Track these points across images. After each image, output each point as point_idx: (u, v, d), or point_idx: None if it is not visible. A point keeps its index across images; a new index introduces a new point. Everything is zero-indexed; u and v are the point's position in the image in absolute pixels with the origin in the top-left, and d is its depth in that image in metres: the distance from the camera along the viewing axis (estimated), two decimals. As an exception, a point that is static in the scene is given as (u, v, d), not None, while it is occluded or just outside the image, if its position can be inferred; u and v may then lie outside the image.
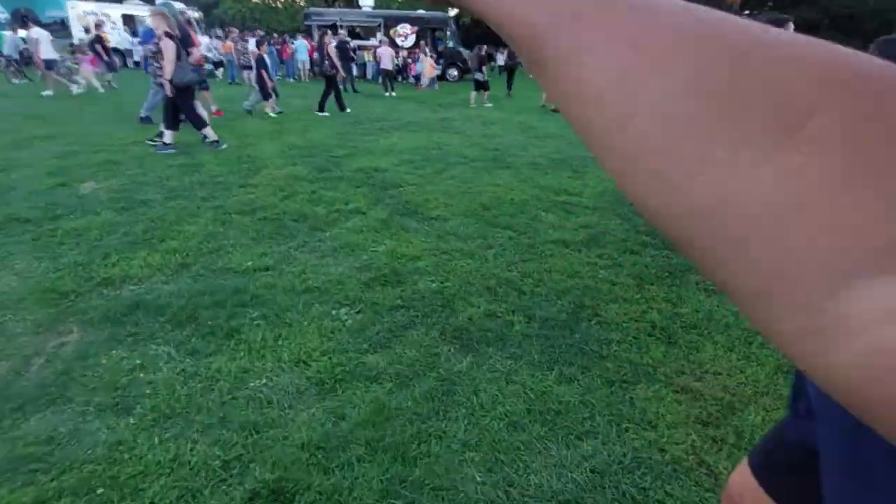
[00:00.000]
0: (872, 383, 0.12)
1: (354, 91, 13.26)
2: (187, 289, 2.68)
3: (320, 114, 9.27)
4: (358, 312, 2.57)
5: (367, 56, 18.09)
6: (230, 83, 14.95)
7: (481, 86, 12.03)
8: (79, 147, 5.80)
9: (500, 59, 25.40)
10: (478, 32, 36.52)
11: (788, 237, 0.13)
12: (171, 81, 5.48)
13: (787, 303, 0.13)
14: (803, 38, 0.14)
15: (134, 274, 2.81)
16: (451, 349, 2.33)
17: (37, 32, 11.04)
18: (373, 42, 18.58)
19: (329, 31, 10.21)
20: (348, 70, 13.30)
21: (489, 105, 12.27)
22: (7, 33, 12.87)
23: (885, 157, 0.12)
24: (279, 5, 35.39)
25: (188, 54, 5.75)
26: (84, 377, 2.00)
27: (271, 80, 8.89)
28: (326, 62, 9.58)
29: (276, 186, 4.52)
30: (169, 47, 5.37)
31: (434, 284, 2.91)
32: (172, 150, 5.70)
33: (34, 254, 3.02)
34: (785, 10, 29.29)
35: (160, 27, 5.44)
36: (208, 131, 5.96)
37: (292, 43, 17.92)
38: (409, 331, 2.45)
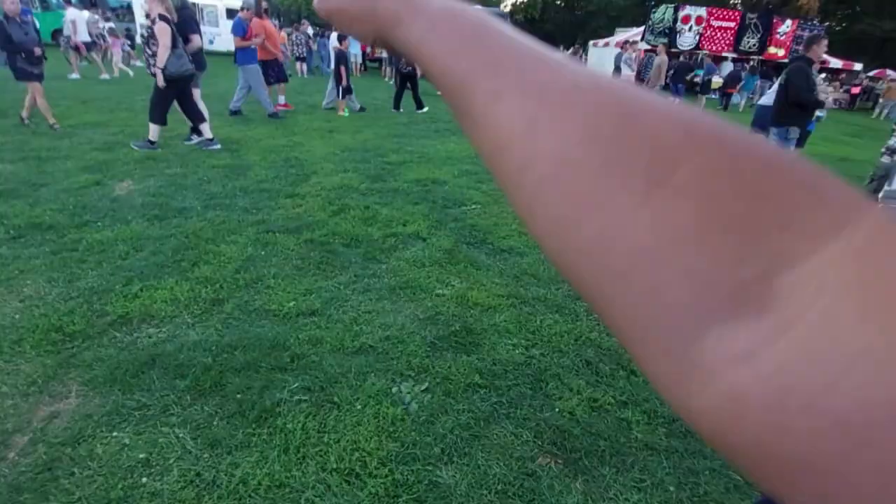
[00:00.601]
0: (729, 428, 0.12)
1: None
2: (216, 339, 2.16)
3: (419, 111, 8.91)
4: (425, 391, 1.98)
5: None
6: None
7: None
8: (123, 137, 5.50)
9: None
10: (543, 30, 35.43)
11: (658, 281, 0.14)
12: (163, 70, 4.79)
13: (656, 347, 0.14)
14: (677, 103, 0.16)
15: (156, 312, 2.32)
16: (553, 464, 1.71)
17: (74, 13, 11.11)
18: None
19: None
20: (393, 62, 12.80)
21: None
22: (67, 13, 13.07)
23: (733, 208, 0.13)
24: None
25: (186, 42, 5.17)
26: (71, 476, 1.50)
27: (348, 77, 8.47)
28: (403, 60, 9.03)
29: (326, 198, 4.00)
30: (164, 31, 4.71)
31: (518, 352, 2.28)
32: (216, 146, 5.31)
33: (49, 273, 2.59)
34: (867, 21, 26.74)
35: (154, 9, 4.78)
36: (205, 128, 5.36)
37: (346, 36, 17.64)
38: (492, 427, 1.84)
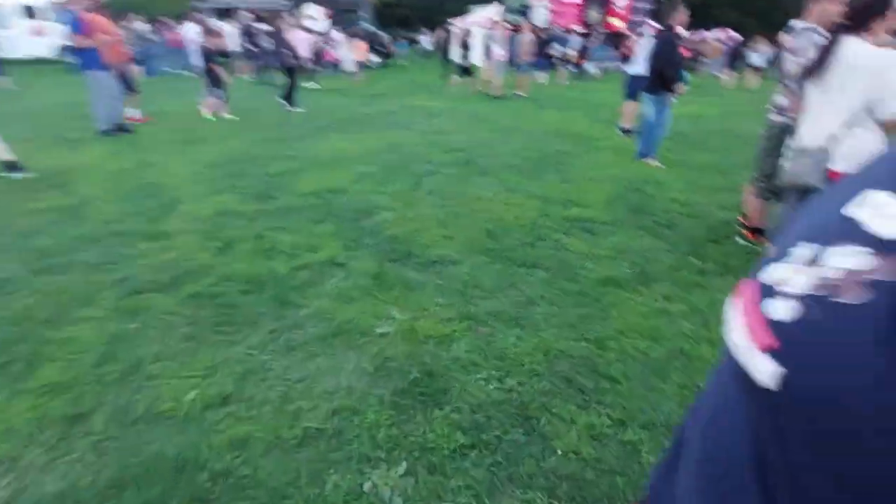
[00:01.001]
0: None
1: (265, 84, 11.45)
2: (89, 482, 1.48)
3: (292, 109, 8.14)
4: (405, 475, 1.56)
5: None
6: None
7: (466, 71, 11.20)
8: None
9: (425, 41, 24.22)
10: (399, 14, 34.75)
11: None
12: None
13: None
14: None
15: (-26, 461, 1.55)
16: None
17: None
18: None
19: (284, 17, 8.51)
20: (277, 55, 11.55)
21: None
22: None
23: None
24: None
25: None
26: None
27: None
28: (284, 51, 8.08)
29: (204, 232, 3.23)
30: None
31: (492, 387, 1.96)
32: (21, 174, 4.10)
33: None
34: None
35: None
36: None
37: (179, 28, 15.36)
38: (499, 499, 1.50)
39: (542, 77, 14.04)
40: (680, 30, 5.40)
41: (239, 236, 3.17)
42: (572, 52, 16.86)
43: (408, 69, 17.76)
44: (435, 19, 42.50)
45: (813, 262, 0.29)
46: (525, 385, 1.98)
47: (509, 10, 21.84)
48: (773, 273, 0.31)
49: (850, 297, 0.25)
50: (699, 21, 27.94)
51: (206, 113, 7.47)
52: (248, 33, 13.89)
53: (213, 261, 2.84)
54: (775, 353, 0.28)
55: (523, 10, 21.93)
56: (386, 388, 1.92)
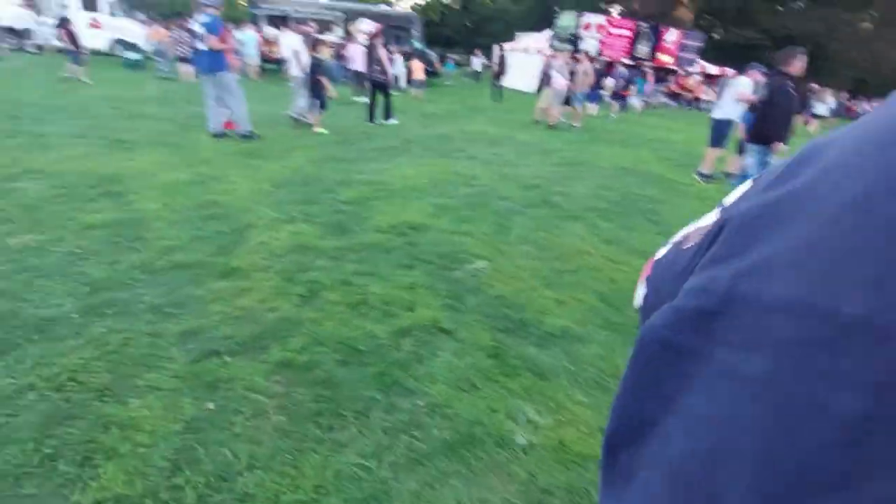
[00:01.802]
0: None
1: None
2: None
3: (387, 121, 8.50)
4: None
5: (327, 53, 15.99)
6: (162, 77, 12.39)
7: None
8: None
9: (477, 63, 24.10)
10: (441, 34, 35.03)
11: None
12: None
13: None
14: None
15: None
16: None
17: None
18: (331, 38, 16.54)
19: (379, 32, 8.50)
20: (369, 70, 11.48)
21: (578, 125, 11.04)
22: None
23: None
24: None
25: None
26: None
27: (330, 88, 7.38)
28: (377, 67, 8.10)
29: (283, 272, 2.77)
30: None
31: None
32: None
33: None
34: (731, 30, 30.54)
35: None
36: None
37: (237, 33, 15.44)
38: None
39: (592, 109, 13.60)
40: (795, 74, 4.87)
41: (323, 281, 2.70)
42: (611, 82, 16.41)
43: (457, 91, 17.58)
44: (475, 41, 43.08)
45: (697, 224, 0.38)
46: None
47: (558, 37, 21.66)
48: (679, 232, 0.41)
49: (688, 243, 0.36)
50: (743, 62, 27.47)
51: (318, 128, 7.29)
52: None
53: (298, 314, 2.37)
54: (648, 279, 0.41)
55: (573, 39, 21.69)
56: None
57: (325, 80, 7.29)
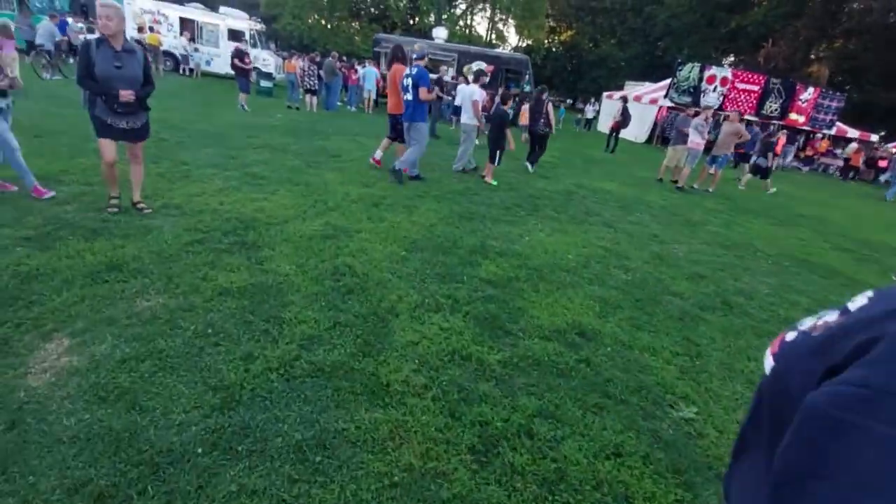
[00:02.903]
0: None
1: (434, 136, 10.91)
2: None
3: (530, 168, 8.68)
4: None
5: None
6: (288, 107, 13.02)
7: (761, 172, 10.80)
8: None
9: (590, 111, 23.43)
10: (542, 76, 35.01)
11: None
12: None
13: None
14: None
15: None
16: None
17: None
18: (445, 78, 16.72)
19: (545, 91, 8.61)
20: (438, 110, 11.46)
21: (773, 190, 10.75)
22: (44, 21, 11.17)
23: None
24: (332, 27, 34.39)
25: None
26: None
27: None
28: (543, 120, 8.29)
29: (442, 400, 2.12)
30: None
31: None
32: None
33: None
34: (871, 90, 27.02)
35: None
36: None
37: (359, 68, 16.11)
38: None
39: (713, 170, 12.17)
40: None
41: (497, 424, 2.00)
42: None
43: (567, 138, 16.90)
44: (577, 86, 42.43)
45: (820, 318, 0.51)
46: None
47: (678, 89, 20.34)
48: (804, 321, 0.53)
49: (816, 332, 0.49)
50: (887, 126, 23.97)
51: (490, 179, 7.15)
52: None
53: (478, 491, 1.68)
54: (775, 355, 0.53)
55: (692, 91, 20.27)
56: None
57: (509, 134, 7.18)
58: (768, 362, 0.53)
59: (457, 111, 12.34)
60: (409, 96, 6.04)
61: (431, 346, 2.51)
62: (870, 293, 0.46)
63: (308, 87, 12.82)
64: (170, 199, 4.31)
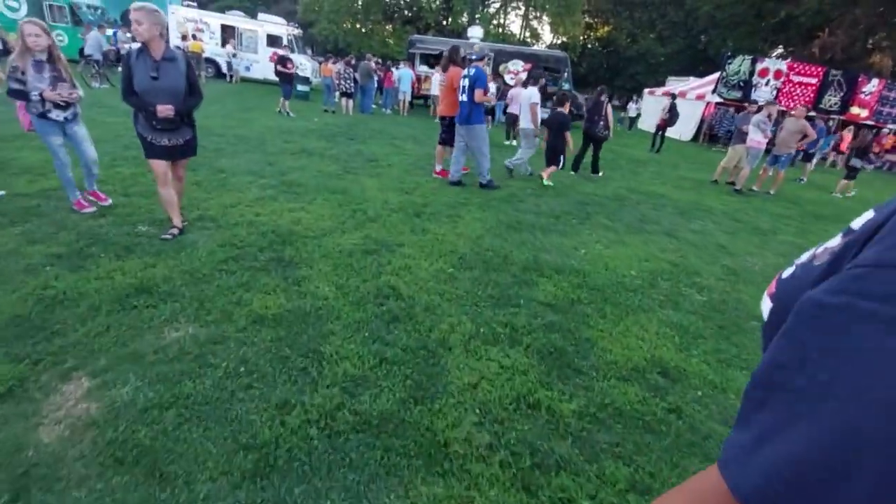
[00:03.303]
0: None
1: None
2: None
3: (596, 175, 8.24)
4: None
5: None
6: (325, 110, 12.96)
7: (853, 173, 10.35)
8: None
9: (633, 109, 22.54)
10: (581, 73, 34.06)
11: None
12: None
13: None
14: None
15: None
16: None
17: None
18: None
19: (605, 91, 8.35)
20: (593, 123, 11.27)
21: (853, 193, 10.32)
22: (93, 31, 11.49)
23: None
24: (366, 31, 34.54)
25: None
26: None
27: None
28: (602, 122, 7.99)
29: (513, 469, 1.74)
30: None
31: None
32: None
33: None
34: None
35: None
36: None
37: (395, 70, 15.93)
38: None
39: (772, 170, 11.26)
40: None
41: None
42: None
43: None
44: (614, 83, 41.08)
45: (820, 246, 0.43)
46: None
47: (727, 84, 19.19)
48: (803, 255, 0.46)
49: (818, 260, 0.40)
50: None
51: (547, 180, 6.93)
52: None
53: None
54: (773, 296, 0.45)
55: (742, 85, 19.07)
56: None
57: (569, 137, 6.94)
58: (765, 306, 0.46)
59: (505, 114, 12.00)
60: (465, 97, 5.83)
61: (493, 391, 2.15)
62: (874, 208, 0.37)
63: (344, 90, 12.71)
64: (205, 210, 4.13)
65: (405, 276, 3.24)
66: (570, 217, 5.40)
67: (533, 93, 7.14)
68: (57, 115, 3.48)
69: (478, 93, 5.72)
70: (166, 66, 3.14)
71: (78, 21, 16.72)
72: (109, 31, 15.23)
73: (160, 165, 3.33)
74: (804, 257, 0.44)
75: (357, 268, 3.30)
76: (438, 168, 6.74)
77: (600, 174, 8.37)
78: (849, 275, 0.32)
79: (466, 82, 5.79)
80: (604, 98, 8.06)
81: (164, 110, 3.12)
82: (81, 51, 13.34)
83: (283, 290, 2.86)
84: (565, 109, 6.99)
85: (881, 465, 0.26)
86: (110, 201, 4.03)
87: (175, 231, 3.47)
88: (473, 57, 5.87)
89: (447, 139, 6.52)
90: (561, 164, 7.00)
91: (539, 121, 7.21)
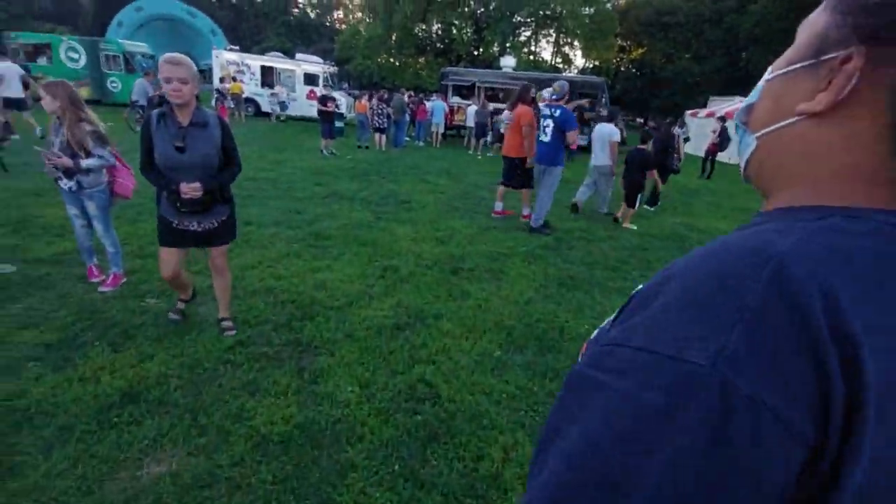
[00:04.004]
0: None
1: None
2: None
3: (651, 208, 7.72)
4: None
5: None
6: (359, 146, 12.84)
7: None
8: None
9: (679, 132, 21.58)
10: (614, 95, 33.35)
11: None
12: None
13: None
14: None
15: None
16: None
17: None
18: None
19: (675, 123, 8.08)
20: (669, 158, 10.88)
21: None
22: (140, 78, 11.87)
23: None
24: (399, 64, 35.23)
25: None
26: None
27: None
28: (675, 155, 7.73)
29: None
30: None
31: None
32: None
33: None
34: None
35: None
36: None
37: (427, 103, 15.81)
38: None
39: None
40: None
41: None
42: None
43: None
44: (649, 104, 39.95)
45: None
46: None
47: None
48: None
49: (607, 324, 0.52)
50: None
51: (628, 224, 6.49)
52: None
53: None
54: (583, 354, 0.54)
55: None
56: None
57: (655, 175, 6.61)
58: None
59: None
60: (549, 138, 5.61)
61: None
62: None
63: (377, 125, 12.58)
64: (222, 274, 3.74)
65: (443, 365, 2.68)
66: (628, 267, 4.73)
67: (613, 130, 6.76)
68: (64, 182, 3.20)
69: (570, 135, 5.50)
70: (195, 133, 2.49)
71: (131, 69, 17.62)
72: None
73: (171, 256, 2.67)
74: (605, 322, 0.52)
75: (386, 352, 2.77)
76: (499, 207, 6.42)
77: (654, 207, 7.79)
78: (598, 350, 0.38)
79: (550, 122, 5.54)
80: (675, 131, 7.86)
81: (190, 190, 2.47)
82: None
83: (295, 391, 2.35)
84: (647, 147, 6.57)
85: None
86: (110, 290, 3.36)
87: (182, 307, 3.05)
88: (555, 97, 5.65)
89: (509, 181, 6.21)
90: (638, 203, 6.49)
91: (616, 158, 6.77)
